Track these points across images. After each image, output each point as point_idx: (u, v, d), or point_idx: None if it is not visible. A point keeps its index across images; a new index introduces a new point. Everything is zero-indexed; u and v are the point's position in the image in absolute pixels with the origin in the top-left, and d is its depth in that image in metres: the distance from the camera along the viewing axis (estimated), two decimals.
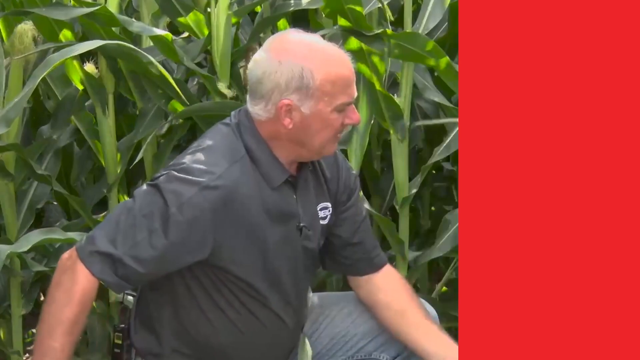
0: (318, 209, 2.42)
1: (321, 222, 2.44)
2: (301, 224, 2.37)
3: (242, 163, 2.27)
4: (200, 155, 2.26)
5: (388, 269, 2.55)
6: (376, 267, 2.52)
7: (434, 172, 3.66)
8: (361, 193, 2.74)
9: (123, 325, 2.42)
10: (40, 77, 2.74)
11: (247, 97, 2.32)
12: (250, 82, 2.30)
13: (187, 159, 2.26)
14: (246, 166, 2.27)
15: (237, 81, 3.20)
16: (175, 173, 2.22)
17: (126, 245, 2.19)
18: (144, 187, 2.25)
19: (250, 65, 2.30)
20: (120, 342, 2.41)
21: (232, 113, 2.37)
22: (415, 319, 2.48)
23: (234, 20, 3.10)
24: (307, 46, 2.28)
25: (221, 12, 3.01)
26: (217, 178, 2.22)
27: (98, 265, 2.19)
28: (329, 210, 2.45)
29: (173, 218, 2.19)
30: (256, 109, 2.28)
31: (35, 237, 2.78)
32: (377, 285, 2.52)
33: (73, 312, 2.20)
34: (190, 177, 2.21)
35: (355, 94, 2.31)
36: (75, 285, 2.20)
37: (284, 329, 2.43)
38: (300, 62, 2.23)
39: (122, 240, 2.19)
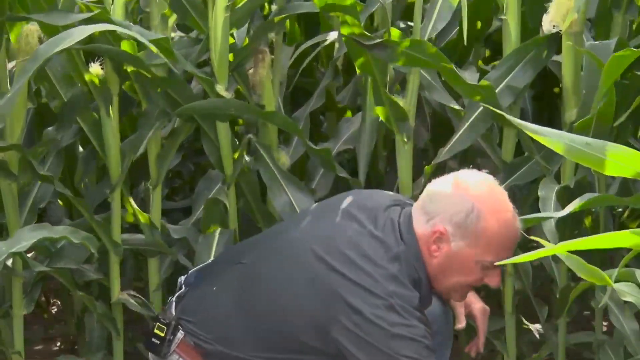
0: None
1: None
2: None
3: (420, 285, 2.31)
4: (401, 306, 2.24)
5: None
6: None
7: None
8: None
9: (167, 321, 2.46)
10: (32, 71, 2.58)
11: (417, 203, 2.37)
12: (427, 194, 2.33)
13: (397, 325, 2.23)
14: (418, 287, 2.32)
15: (245, 82, 3.17)
16: (411, 339, 2.24)
17: None
18: None
19: (435, 180, 2.36)
20: (162, 334, 2.46)
21: (393, 218, 2.35)
22: None
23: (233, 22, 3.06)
24: (488, 189, 2.29)
25: (219, 14, 2.97)
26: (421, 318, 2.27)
27: None
28: None
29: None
30: (420, 219, 2.31)
31: (27, 234, 2.72)
32: None
33: None
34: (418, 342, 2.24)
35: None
36: None
37: None
38: (472, 200, 2.25)
39: None
